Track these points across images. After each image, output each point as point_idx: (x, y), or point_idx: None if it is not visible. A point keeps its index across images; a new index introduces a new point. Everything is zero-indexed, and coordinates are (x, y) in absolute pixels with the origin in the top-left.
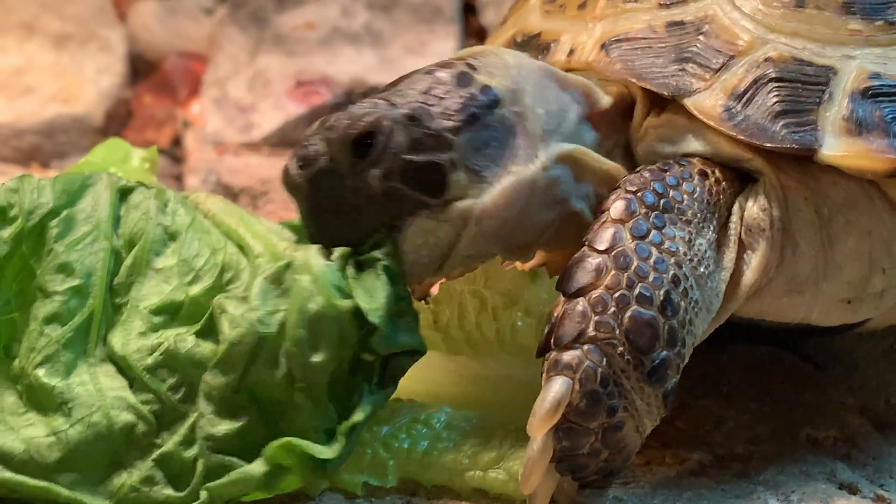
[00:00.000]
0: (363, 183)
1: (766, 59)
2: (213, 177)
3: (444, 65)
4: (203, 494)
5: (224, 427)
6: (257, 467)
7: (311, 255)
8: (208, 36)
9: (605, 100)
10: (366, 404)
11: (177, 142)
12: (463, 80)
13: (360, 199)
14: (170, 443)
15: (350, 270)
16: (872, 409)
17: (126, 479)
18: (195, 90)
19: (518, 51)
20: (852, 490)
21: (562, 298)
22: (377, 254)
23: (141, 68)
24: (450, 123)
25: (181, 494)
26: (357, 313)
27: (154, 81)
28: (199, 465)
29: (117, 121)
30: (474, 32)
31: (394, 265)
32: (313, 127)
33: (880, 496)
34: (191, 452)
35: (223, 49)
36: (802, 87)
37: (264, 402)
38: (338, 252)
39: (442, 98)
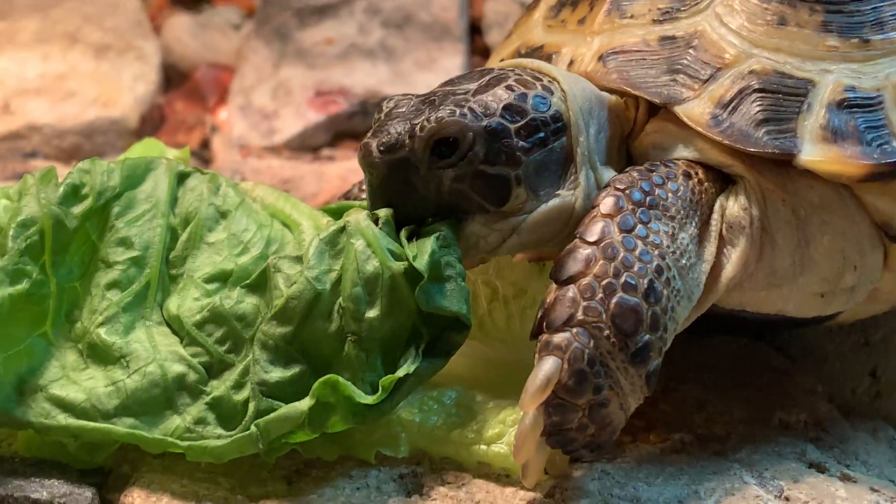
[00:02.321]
0: (435, 178)
1: (751, 72)
2: (238, 177)
3: (523, 82)
4: (253, 429)
5: (276, 374)
6: (304, 402)
7: (362, 219)
8: (236, 49)
9: (630, 115)
10: (410, 363)
11: (205, 144)
12: (541, 102)
13: (427, 190)
14: (221, 387)
15: (402, 235)
16: (840, 397)
17: (179, 421)
18: (223, 98)
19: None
20: (820, 469)
21: (554, 285)
22: (439, 224)
23: (173, 77)
24: (523, 143)
25: (232, 433)
26: (411, 277)
27: (185, 89)
28: (251, 407)
29: (151, 124)
30: (479, 51)
31: (450, 236)
32: (397, 109)
33: (846, 475)
34: (241, 396)
35: (249, 61)
36: (783, 97)
37: (315, 354)
38: (383, 217)
39: (521, 116)
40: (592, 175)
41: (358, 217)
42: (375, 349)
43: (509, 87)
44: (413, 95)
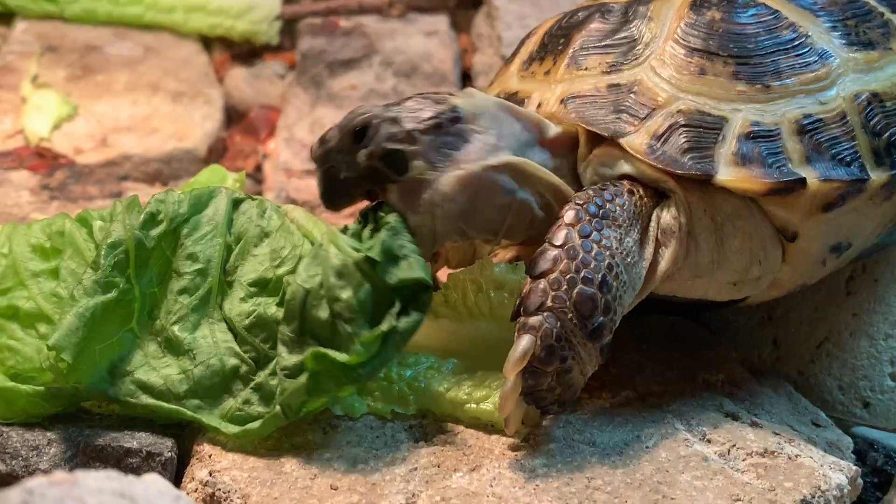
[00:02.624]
0: (355, 160)
1: (678, 111)
2: (284, 194)
3: (434, 91)
4: (277, 407)
5: (293, 359)
6: (302, 376)
7: (332, 233)
8: (281, 94)
9: (553, 130)
10: (388, 323)
11: (258, 169)
12: (439, 100)
13: (352, 170)
14: (262, 375)
15: (366, 234)
16: (749, 361)
17: (232, 402)
18: (272, 132)
19: None
20: (735, 417)
21: (529, 279)
22: (389, 219)
23: (233, 116)
24: (419, 126)
25: (268, 409)
26: (371, 262)
27: (242, 126)
28: (278, 389)
29: (216, 153)
30: None
31: (398, 226)
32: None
33: (755, 422)
34: (275, 380)
35: (291, 103)
36: (704, 130)
37: (319, 338)
38: (351, 230)
39: (420, 109)
40: (502, 158)
41: (330, 231)
42: (358, 321)
43: (420, 93)
44: None
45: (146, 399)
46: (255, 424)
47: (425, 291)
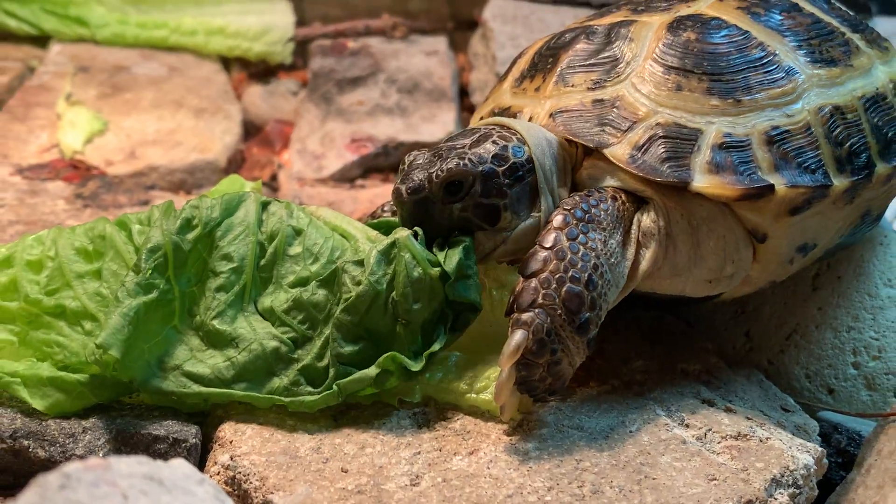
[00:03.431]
0: (447, 210)
1: (657, 124)
2: (297, 200)
3: (504, 137)
4: (335, 387)
5: (348, 349)
6: (372, 370)
7: (407, 237)
8: (294, 109)
9: (572, 151)
10: (441, 340)
11: (274, 178)
12: (517, 151)
13: (442, 218)
14: (307, 358)
15: (435, 245)
16: (724, 352)
17: (279, 382)
18: (286, 144)
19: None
20: (710, 404)
21: (521, 279)
22: (463, 237)
23: (251, 130)
24: (507, 181)
25: (319, 390)
26: (442, 277)
27: (259, 139)
28: (331, 372)
29: (235, 164)
30: (466, 108)
31: (470, 246)
32: (416, 161)
33: (729, 408)
34: (322, 363)
35: (304, 118)
36: (680, 141)
37: (374, 333)
38: (421, 235)
39: (504, 162)
40: (550, 198)
41: (404, 234)
42: (418, 328)
43: (494, 142)
44: (426, 150)
45: (197, 388)
46: (311, 398)
47: (474, 313)
